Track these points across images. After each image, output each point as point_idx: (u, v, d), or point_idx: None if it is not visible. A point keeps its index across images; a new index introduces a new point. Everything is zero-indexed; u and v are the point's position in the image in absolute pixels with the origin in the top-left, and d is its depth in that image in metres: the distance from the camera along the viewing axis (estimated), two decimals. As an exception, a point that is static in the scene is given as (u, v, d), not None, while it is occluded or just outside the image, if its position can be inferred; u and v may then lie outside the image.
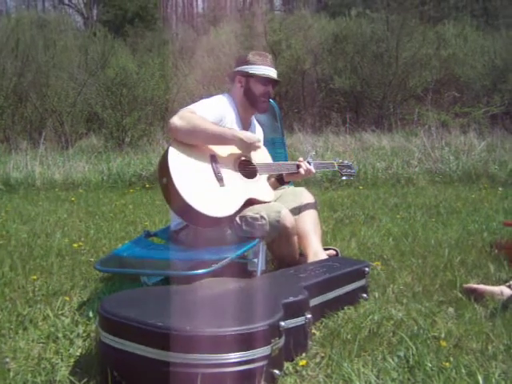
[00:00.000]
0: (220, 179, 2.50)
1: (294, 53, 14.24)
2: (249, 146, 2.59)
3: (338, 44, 14.89)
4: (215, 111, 2.60)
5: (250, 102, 2.75)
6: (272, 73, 2.75)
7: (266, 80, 2.73)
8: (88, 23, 25.88)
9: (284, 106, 13.84)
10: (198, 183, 2.42)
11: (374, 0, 17.31)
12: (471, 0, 23.35)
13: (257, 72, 2.71)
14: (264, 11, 17.44)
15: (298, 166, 2.84)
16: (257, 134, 2.94)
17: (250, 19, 16.84)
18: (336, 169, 3.11)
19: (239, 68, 2.76)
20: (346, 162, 3.19)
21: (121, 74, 11.18)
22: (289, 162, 2.89)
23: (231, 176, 2.57)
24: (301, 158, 2.89)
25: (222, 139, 2.55)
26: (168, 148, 2.44)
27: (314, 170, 2.88)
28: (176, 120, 2.44)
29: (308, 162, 2.88)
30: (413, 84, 13.66)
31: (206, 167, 2.50)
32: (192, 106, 2.56)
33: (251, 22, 16.10)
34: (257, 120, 3.06)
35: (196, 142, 2.50)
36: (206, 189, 2.43)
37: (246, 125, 2.82)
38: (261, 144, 2.75)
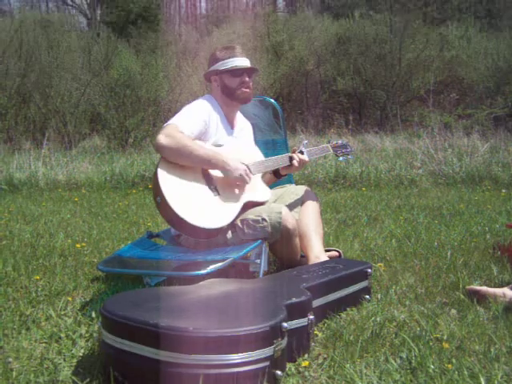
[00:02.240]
0: (213, 189, 2.50)
1: (297, 54, 14.25)
2: (234, 176, 2.53)
3: (341, 45, 14.90)
4: (199, 121, 2.57)
5: (229, 97, 2.73)
6: (241, 62, 2.72)
7: (238, 71, 2.70)
8: (91, 24, 25.92)
9: (287, 106, 13.86)
10: (192, 198, 2.41)
11: (378, 1, 17.31)
12: (475, 2, 23.31)
13: (226, 67, 2.69)
14: (267, 12, 17.42)
15: (291, 158, 2.81)
16: (245, 129, 2.91)
17: (252, 20, 16.86)
18: (331, 152, 3.06)
19: (211, 68, 2.75)
20: (340, 141, 3.12)
21: (124, 74, 11.22)
22: (281, 156, 2.83)
23: (225, 183, 2.56)
24: (294, 148, 2.86)
25: (209, 165, 2.52)
26: (157, 168, 2.42)
27: (307, 159, 2.85)
28: (163, 139, 2.40)
29: (301, 152, 2.84)
30: (416, 86, 13.66)
31: (198, 179, 2.50)
32: (177, 121, 2.50)
33: (254, 23, 16.12)
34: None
35: (182, 163, 2.47)
36: (201, 202, 2.43)
37: (231, 123, 2.80)
38: (250, 151, 2.74)
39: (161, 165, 2.43)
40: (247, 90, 2.73)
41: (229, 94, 2.72)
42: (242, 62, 2.72)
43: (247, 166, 2.62)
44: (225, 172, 2.55)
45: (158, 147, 2.44)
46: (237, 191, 2.58)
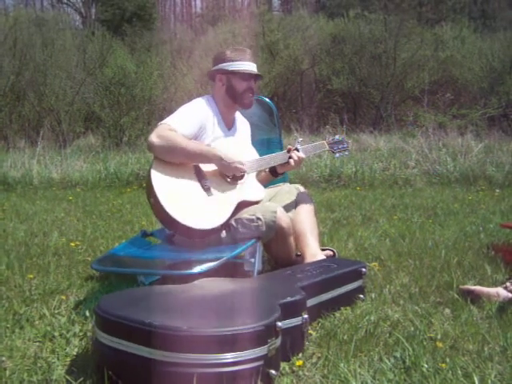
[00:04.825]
0: (207, 189, 2.49)
1: (292, 53, 14.24)
2: (228, 167, 2.54)
3: (335, 45, 14.89)
4: (194, 121, 2.56)
5: (233, 100, 2.71)
6: (252, 67, 2.71)
7: (248, 75, 2.69)
8: (86, 22, 25.82)
9: (282, 106, 13.83)
10: (185, 199, 2.41)
11: (372, 1, 17.33)
12: (469, 2, 23.39)
13: (237, 68, 2.66)
14: (262, 11, 17.41)
15: (289, 156, 2.78)
16: (243, 129, 2.90)
17: (248, 19, 16.85)
18: (327, 148, 3.04)
19: (219, 66, 2.71)
20: (336, 137, 3.09)
21: (119, 73, 11.16)
22: (277, 154, 2.82)
23: (218, 183, 2.56)
24: (290, 146, 2.84)
25: (202, 158, 2.52)
26: (150, 168, 2.42)
27: (304, 156, 2.83)
28: (154, 138, 2.40)
29: (296, 149, 2.82)
30: (410, 85, 13.67)
31: (191, 180, 2.49)
32: (170, 121, 2.50)
33: (249, 22, 16.11)
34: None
35: (175, 160, 2.47)
36: (194, 203, 2.43)
37: (229, 124, 2.79)
38: (244, 149, 2.73)
39: (154, 166, 2.43)
40: (252, 96, 2.73)
41: (233, 96, 2.70)
42: (252, 67, 2.71)
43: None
44: (220, 164, 2.53)
45: (149, 147, 2.44)
46: (230, 191, 2.58)
